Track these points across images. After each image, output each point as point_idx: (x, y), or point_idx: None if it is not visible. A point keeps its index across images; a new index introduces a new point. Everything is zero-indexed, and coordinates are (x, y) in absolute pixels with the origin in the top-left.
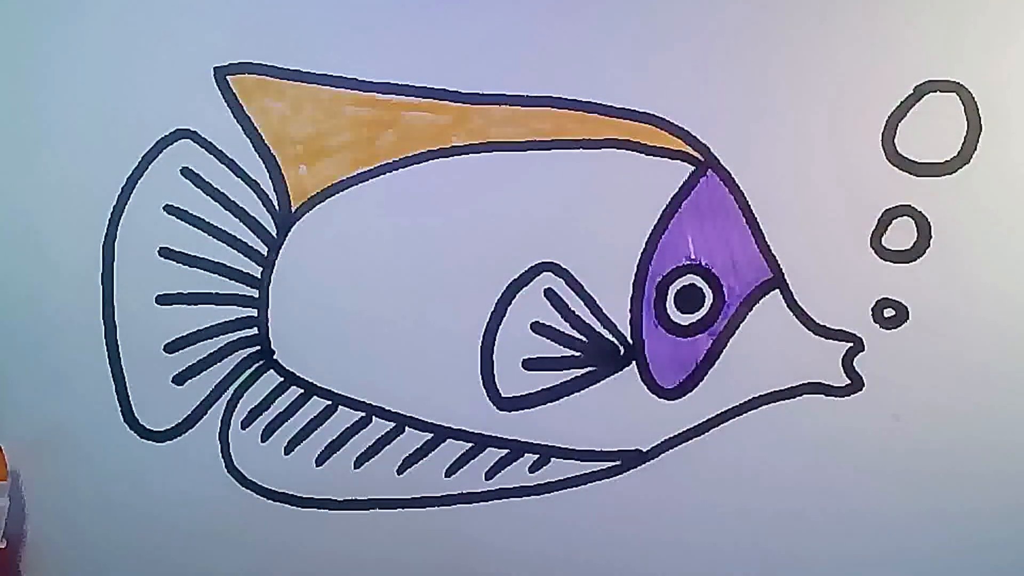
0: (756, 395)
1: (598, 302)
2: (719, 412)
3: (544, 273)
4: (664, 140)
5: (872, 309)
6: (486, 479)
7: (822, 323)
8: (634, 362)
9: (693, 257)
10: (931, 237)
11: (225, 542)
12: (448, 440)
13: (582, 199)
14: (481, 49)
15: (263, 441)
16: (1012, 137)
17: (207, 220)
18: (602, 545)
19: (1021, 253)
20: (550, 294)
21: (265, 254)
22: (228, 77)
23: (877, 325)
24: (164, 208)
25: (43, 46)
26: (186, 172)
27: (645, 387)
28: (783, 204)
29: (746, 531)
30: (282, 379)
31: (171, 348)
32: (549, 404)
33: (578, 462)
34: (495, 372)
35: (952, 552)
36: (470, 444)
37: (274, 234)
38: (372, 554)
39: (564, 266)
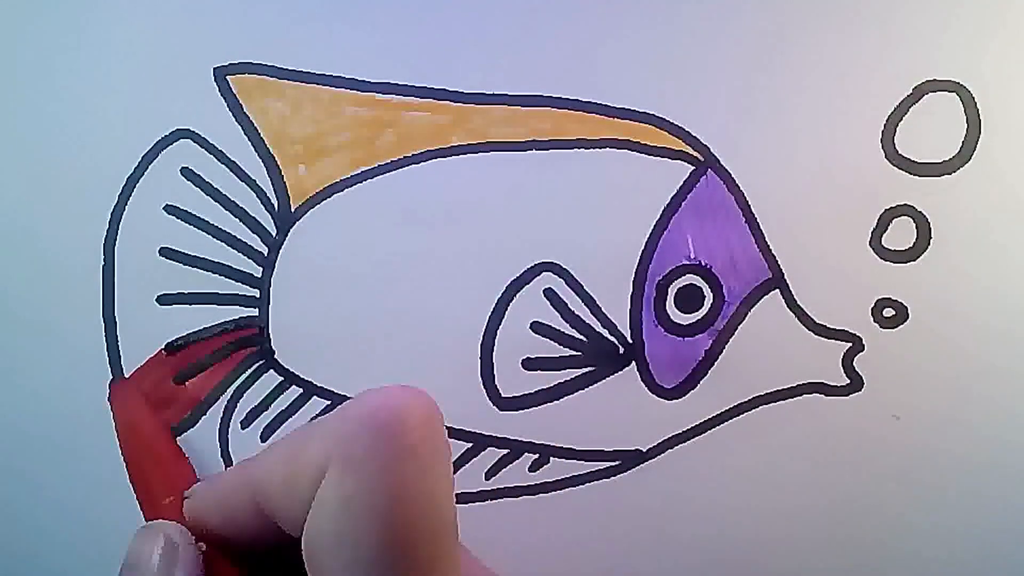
0: (756, 395)
1: (598, 302)
2: (719, 412)
3: (544, 273)
4: (664, 140)
5: (872, 309)
6: (486, 479)
7: (822, 323)
8: (634, 362)
9: (693, 257)
10: (931, 237)
11: None
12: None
13: (582, 199)
14: (481, 49)
15: (263, 441)
16: (1012, 137)
17: (207, 220)
18: (602, 545)
19: (1021, 253)
20: (550, 294)
21: (265, 254)
22: (228, 77)
23: (877, 325)
24: (164, 208)
25: (42, 46)
26: (186, 172)
27: (645, 387)
28: (783, 204)
29: (746, 530)
30: (282, 379)
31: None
32: (549, 404)
33: (578, 462)
34: (495, 372)
35: (952, 552)
36: (470, 444)
37: (274, 234)
38: None
39: (564, 266)
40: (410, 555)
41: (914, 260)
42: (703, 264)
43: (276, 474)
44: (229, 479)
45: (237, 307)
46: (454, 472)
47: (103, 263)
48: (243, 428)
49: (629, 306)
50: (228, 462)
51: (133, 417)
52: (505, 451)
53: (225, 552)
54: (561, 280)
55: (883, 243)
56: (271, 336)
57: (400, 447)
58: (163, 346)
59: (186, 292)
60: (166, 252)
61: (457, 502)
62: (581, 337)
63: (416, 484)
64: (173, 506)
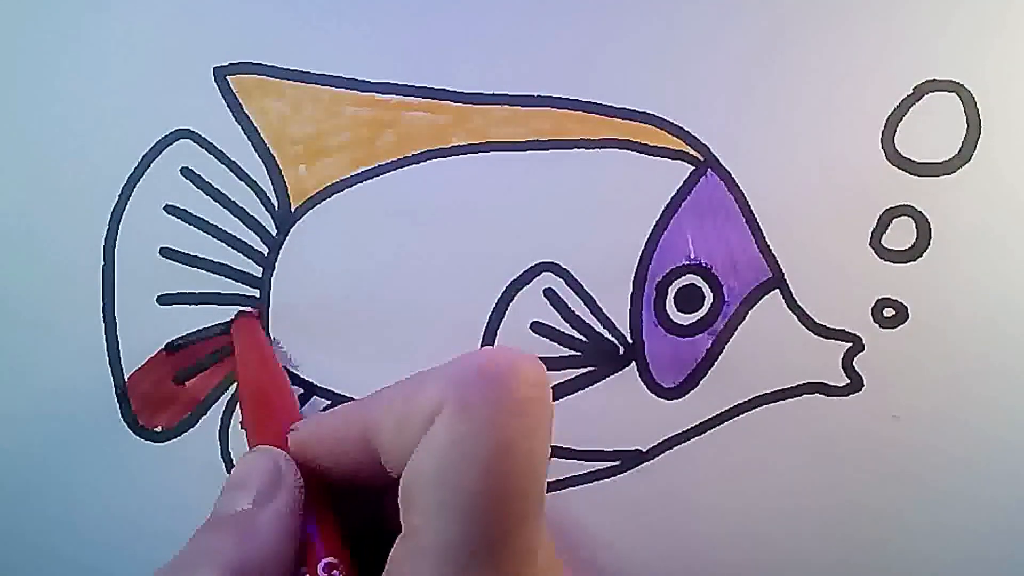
0: (756, 395)
1: (598, 302)
2: (719, 412)
3: (544, 273)
4: (664, 140)
5: (872, 309)
6: None
7: (822, 323)
8: (634, 362)
9: (693, 257)
10: (931, 237)
11: None
12: None
13: (582, 199)
14: (481, 49)
15: None
16: (1012, 137)
17: (207, 220)
18: (602, 545)
19: (1021, 253)
20: (550, 294)
21: (265, 254)
22: (228, 77)
23: (877, 325)
24: (164, 208)
25: (42, 46)
26: (186, 172)
27: (645, 387)
28: (783, 204)
29: (746, 531)
30: None
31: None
32: None
33: (578, 462)
34: None
35: (952, 552)
36: None
37: (274, 234)
38: None
39: (564, 266)
40: (502, 506)
41: (914, 260)
42: (703, 264)
43: (390, 411)
44: (341, 413)
45: (237, 307)
46: None
47: (103, 263)
48: (243, 428)
49: (629, 306)
50: (228, 462)
51: (258, 350)
52: None
53: (320, 490)
54: (561, 280)
55: (883, 243)
56: (271, 336)
57: (514, 400)
58: (163, 346)
59: (186, 292)
60: (166, 252)
61: None
62: (581, 337)
63: (522, 439)
64: (279, 437)
